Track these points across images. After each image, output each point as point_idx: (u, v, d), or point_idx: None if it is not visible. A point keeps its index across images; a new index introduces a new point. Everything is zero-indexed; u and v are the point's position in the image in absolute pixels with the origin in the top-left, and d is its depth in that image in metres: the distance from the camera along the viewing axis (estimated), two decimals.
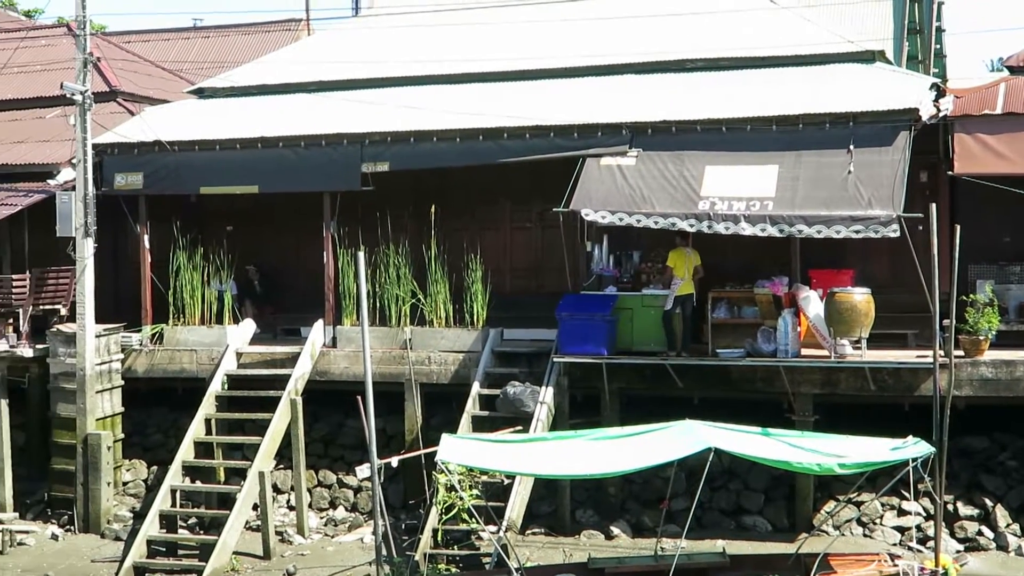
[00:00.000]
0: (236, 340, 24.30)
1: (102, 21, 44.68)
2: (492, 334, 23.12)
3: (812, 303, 20.83)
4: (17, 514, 23.72)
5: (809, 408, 20.79)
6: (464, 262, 23.64)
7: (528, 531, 21.06)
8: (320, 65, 27.08)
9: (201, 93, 27.92)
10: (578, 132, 22.19)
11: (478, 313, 23.32)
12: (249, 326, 24.87)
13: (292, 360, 23.44)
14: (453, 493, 19.08)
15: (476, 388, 22.23)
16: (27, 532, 22.73)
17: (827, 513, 21.02)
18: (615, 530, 21.09)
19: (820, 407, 20.87)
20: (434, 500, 19.81)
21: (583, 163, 21.71)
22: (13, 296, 23.85)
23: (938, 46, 34.62)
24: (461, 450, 17.22)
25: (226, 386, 23.64)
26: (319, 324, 23.88)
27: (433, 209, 23.78)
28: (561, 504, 21.51)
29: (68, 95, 23.09)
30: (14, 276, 24.22)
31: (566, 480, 20.84)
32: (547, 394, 21.49)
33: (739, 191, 20.38)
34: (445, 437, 17.40)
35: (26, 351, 23.93)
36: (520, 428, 20.62)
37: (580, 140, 22.13)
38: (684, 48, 24.93)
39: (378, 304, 23.51)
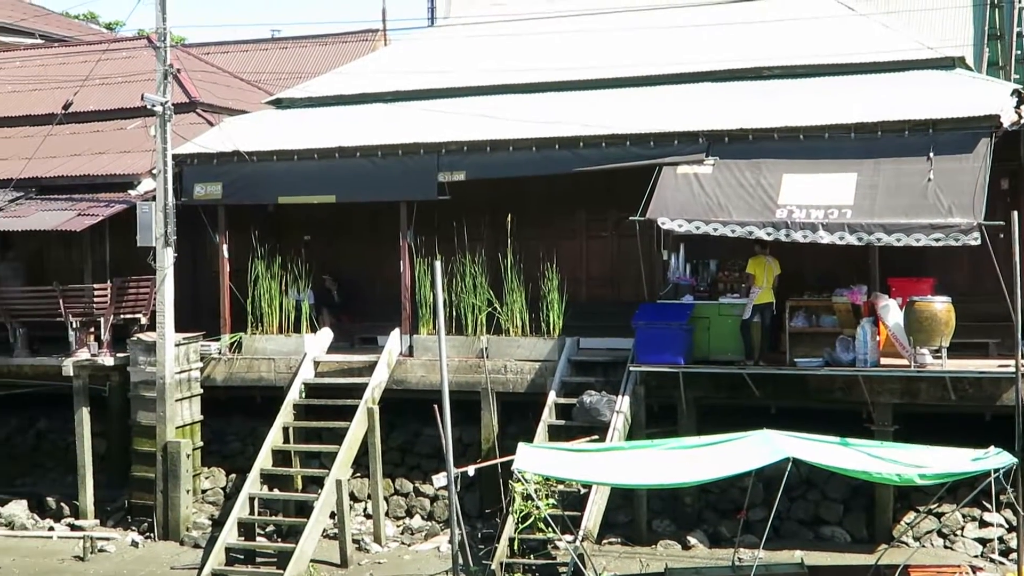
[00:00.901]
0: (314, 349, 24.43)
1: (182, 33, 45.25)
2: (568, 343, 23.10)
3: (891, 312, 20.62)
4: (98, 521, 23.99)
5: (888, 418, 20.58)
6: (540, 271, 23.65)
7: (605, 541, 21.00)
8: (396, 75, 27.18)
9: (279, 104, 28.12)
10: (654, 141, 22.13)
11: (554, 322, 23.31)
12: (326, 335, 25.00)
13: (369, 369, 23.54)
14: (529, 502, 19.07)
15: (552, 397, 22.21)
16: (108, 539, 22.98)
17: (907, 524, 20.80)
18: (692, 540, 20.98)
19: (900, 417, 20.65)
20: (510, 509, 19.80)
21: (659, 172, 21.64)
22: (95, 305, 24.11)
23: (1019, 51, 34.15)
24: (537, 459, 17.22)
25: (304, 395, 23.78)
26: (396, 333, 23.96)
27: (509, 218, 23.80)
28: (638, 514, 21.44)
29: (149, 106, 23.34)
30: (95, 285, 24.49)
31: (643, 490, 20.74)
32: (623, 403, 21.44)
33: (817, 199, 20.23)
34: (521, 446, 17.41)
35: (107, 360, 24.20)
36: (596, 437, 20.61)
37: (656, 149, 22.07)
38: (761, 56, 24.80)
39: (455, 313, 23.56)
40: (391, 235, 24.47)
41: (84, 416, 24.28)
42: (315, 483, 22.64)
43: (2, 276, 26.02)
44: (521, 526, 19.68)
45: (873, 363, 20.41)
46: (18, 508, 24.53)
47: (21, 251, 27.13)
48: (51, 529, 23.90)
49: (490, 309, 23.64)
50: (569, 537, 19.21)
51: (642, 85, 25.09)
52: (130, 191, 25.43)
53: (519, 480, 18.16)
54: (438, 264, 19.03)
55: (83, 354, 24.13)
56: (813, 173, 20.84)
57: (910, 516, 20.93)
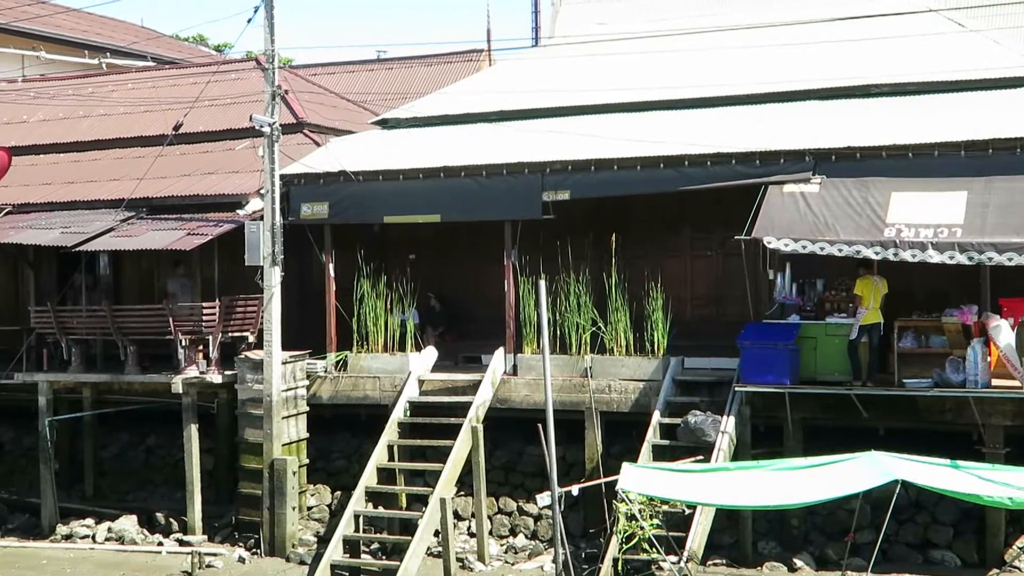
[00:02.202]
0: (418, 367, 24.54)
1: (289, 55, 45.74)
2: (673, 363, 22.98)
3: (1003, 332, 20.23)
4: (206, 537, 24.25)
5: (1000, 440, 20.22)
6: (644, 290, 23.54)
7: (709, 562, 20.82)
8: (501, 95, 27.28)
9: (385, 124, 28.32)
10: (760, 159, 21.99)
11: (659, 341, 23.19)
12: (431, 354, 25.09)
13: (473, 387, 23.59)
14: (634, 522, 18.99)
15: (657, 417, 22.09)
16: (215, 555, 23.20)
17: (1019, 548, 20.39)
18: (798, 562, 20.74)
19: (1012, 439, 20.28)
20: (614, 529, 19.73)
21: (765, 190, 21.50)
22: (203, 323, 24.39)
23: None
24: (642, 479, 17.17)
25: (408, 413, 23.88)
26: (500, 352, 23.99)
27: (614, 237, 23.75)
28: (743, 535, 21.24)
29: (257, 127, 23.60)
30: (204, 304, 24.79)
31: (748, 511, 20.59)
32: (729, 423, 21.27)
33: (926, 218, 19.96)
34: (626, 466, 17.36)
35: (215, 377, 24.47)
36: (701, 458, 20.48)
37: (762, 167, 21.93)
38: (869, 73, 24.55)
39: (558, 332, 23.52)
40: (495, 254, 24.51)
41: (193, 433, 24.57)
42: (419, 501, 22.73)
43: (172, 292, 26.18)
44: (625, 546, 19.58)
45: (984, 384, 20.08)
46: (128, 523, 24.88)
47: (191, 267, 27.27)
48: (160, 544, 24.20)
49: (594, 328, 23.58)
50: (674, 558, 19.07)
51: (747, 103, 24.98)
52: (238, 211, 25.69)
53: (623, 500, 18.11)
54: (542, 283, 19.03)
55: (192, 372, 24.43)
56: (922, 191, 20.58)
57: (1022, 540, 20.53)
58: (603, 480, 20.07)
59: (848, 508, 20.08)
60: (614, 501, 18.88)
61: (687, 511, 19.99)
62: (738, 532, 21.36)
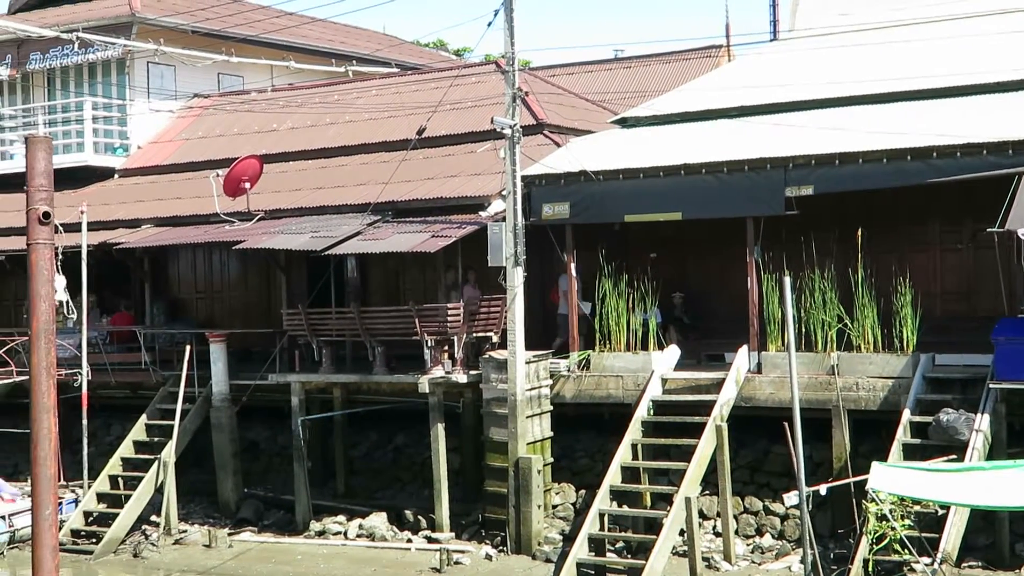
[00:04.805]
0: (661, 366, 24.45)
1: (528, 57, 46.03)
2: (923, 359, 22.41)
3: None
4: (453, 534, 24.63)
5: None
6: (892, 285, 23.03)
7: (964, 564, 20.26)
8: (740, 90, 26.98)
9: (624, 123, 28.31)
10: (1013, 149, 21.29)
11: (907, 338, 22.64)
12: (674, 352, 24.97)
13: (717, 386, 23.42)
14: (884, 523, 18.61)
15: (907, 415, 21.57)
16: (463, 552, 23.55)
17: None
18: None
19: None
20: (864, 529, 19.38)
21: (1019, 180, 20.79)
22: (448, 324, 24.77)
23: None
24: (892, 478, 16.85)
25: (651, 411, 23.82)
26: (743, 350, 23.75)
27: (859, 232, 23.26)
28: (999, 536, 20.59)
29: (498, 129, 23.86)
30: (449, 305, 25.16)
31: (1005, 511, 19.95)
32: (983, 422, 20.65)
33: None
34: (876, 465, 17.05)
35: (460, 377, 24.82)
36: (954, 457, 19.94)
37: (1016, 157, 21.22)
38: None
39: (803, 329, 23.15)
40: (737, 251, 24.26)
41: (439, 432, 24.97)
42: (664, 500, 22.67)
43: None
44: (876, 547, 19.22)
45: None
46: (378, 520, 25.45)
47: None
48: (409, 541, 24.69)
49: (840, 325, 23.16)
50: (926, 559, 18.64)
51: (998, 92, 24.19)
52: (480, 212, 26.01)
53: (873, 500, 17.78)
54: (787, 280, 18.77)
55: (438, 371, 24.82)
56: None
57: None
58: (852, 479, 19.72)
59: None
60: (864, 501, 18.55)
61: (940, 511, 19.50)
62: (994, 533, 20.73)
